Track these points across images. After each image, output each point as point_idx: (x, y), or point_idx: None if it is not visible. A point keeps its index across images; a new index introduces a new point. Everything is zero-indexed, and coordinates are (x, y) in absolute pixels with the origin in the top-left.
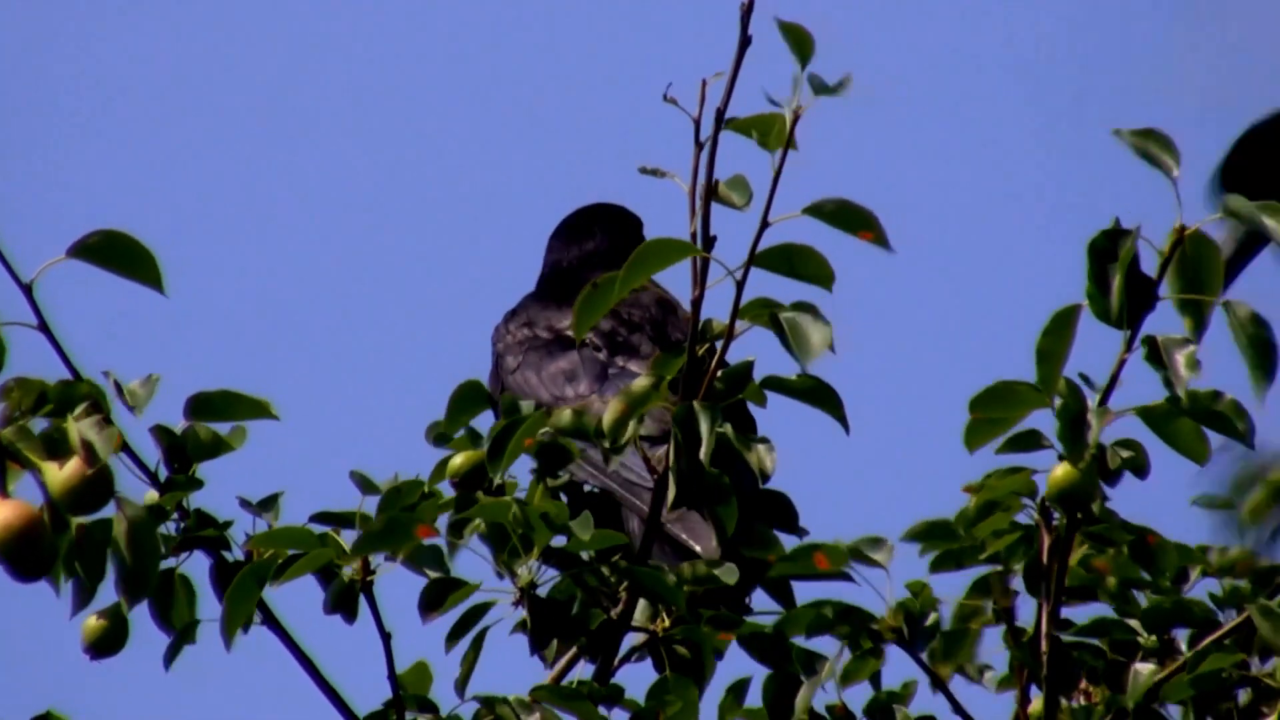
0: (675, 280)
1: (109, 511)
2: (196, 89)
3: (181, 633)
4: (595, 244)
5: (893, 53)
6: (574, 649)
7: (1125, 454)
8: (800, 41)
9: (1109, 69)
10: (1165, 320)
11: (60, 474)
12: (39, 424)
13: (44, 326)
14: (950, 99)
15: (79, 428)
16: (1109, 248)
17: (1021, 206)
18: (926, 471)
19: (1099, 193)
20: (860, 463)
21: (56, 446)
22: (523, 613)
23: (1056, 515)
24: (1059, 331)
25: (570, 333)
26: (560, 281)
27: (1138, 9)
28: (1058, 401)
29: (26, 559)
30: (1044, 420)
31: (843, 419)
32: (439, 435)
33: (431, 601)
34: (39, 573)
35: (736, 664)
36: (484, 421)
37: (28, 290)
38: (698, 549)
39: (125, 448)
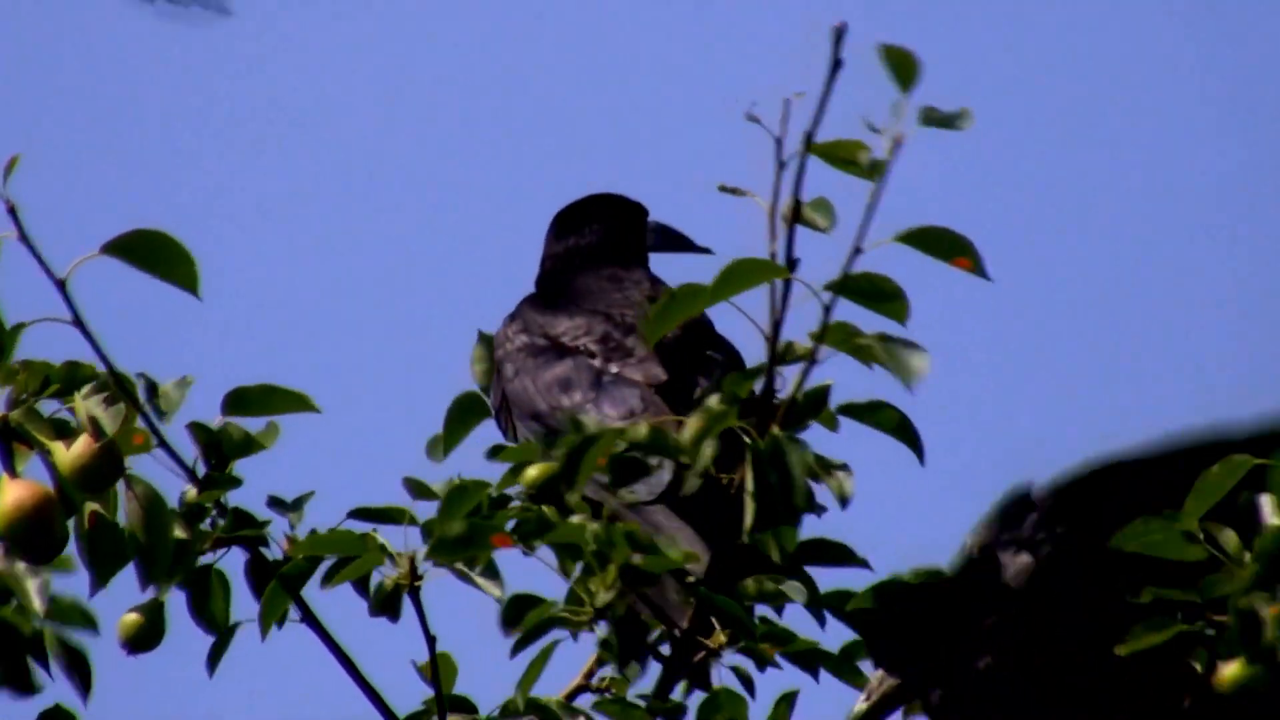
0: (750, 300)
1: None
2: (231, 88)
3: (222, 637)
4: (591, 238)
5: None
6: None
7: None
8: (903, 67)
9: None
10: None
11: (69, 453)
12: (47, 407)
13: (78, 321)
14: (1021, 119)
15: (85, 404)
16: None
17: (1080, 232)
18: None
19: (1178, 222)
20: (922, 491)
21: (65, 428)
22: (598, 628)
23: None
24: (1222, 478)
25: (569, 341)
26: (556, 281)
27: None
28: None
29: (39, 540)
30: None
31: (918, 448)
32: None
33: (512, 618)
34: (50, 555)
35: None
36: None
37: (61, 285)
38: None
39: (163, 444)
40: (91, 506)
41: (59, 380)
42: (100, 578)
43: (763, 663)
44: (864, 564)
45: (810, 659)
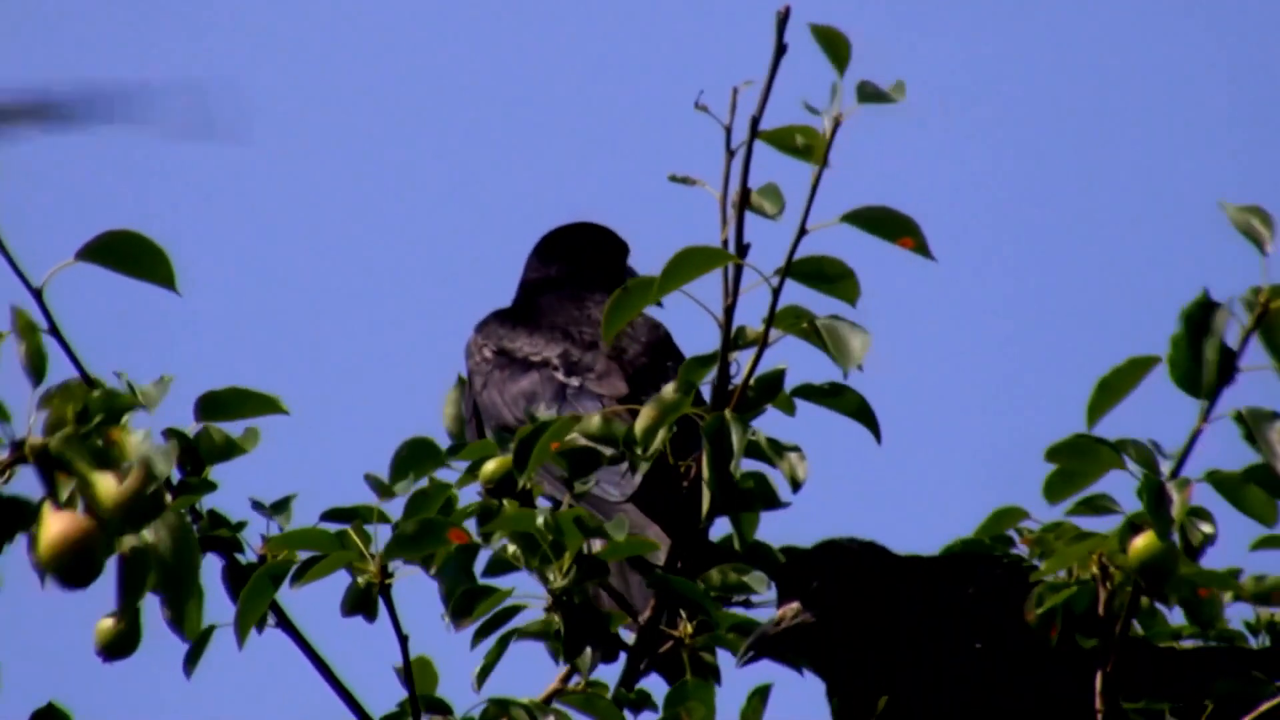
0: (703, 288)
1: None
2: (207, 90)
3: (199, 640)
4: (569, 264)
5: (913, 59)
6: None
7: (1206, 529)
8: (836, 47)
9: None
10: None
11: (113, 488)
12: (85, 435)
13: (54, 330)
14: (976, 104)
15: (136, 443)
16: (1202, 320)
17: (1041, 213)
18: (950, 482)
19: (1121, 199)
20: (885, 473)
21: (104, 457)
22: (550, 615)
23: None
24: (1130, 373)
25: (532, 356)
26: (530, 300)
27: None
28: (1134, 469)
29: (80, 570)
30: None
31: (874, 428)
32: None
33: (461, 608)
34: (88, 582)
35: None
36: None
37: (38, 295)
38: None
39: None
40: (129, 538)
41: (98, 409)
42: (128, 604)
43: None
44: (783, 505)
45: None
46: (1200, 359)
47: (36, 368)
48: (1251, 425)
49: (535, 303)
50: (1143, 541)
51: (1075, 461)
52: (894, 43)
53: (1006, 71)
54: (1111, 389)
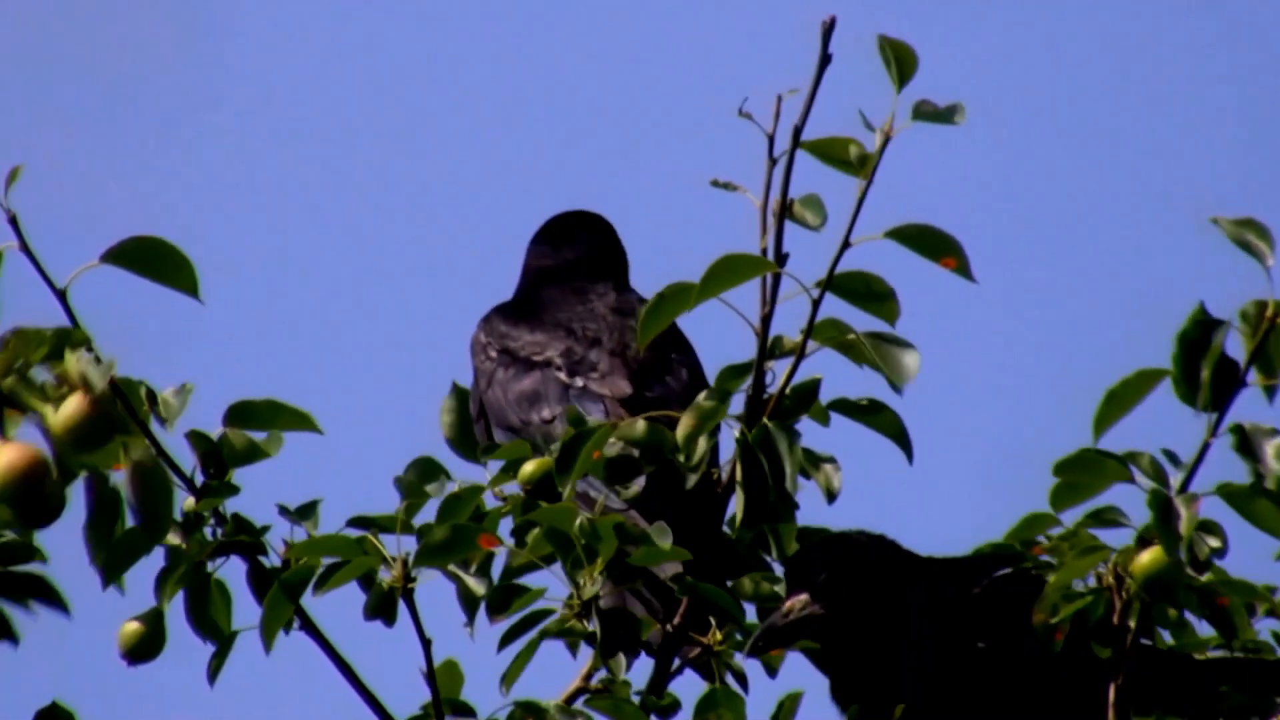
0: (738, 297)
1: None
2: (234, 97)
3: (222, 645)
4: (568, 253)
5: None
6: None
7: (1214, 544)
8: (902, 61)
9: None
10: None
11: (60, 413)
12: (39, 374)
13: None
14: (1013, 118)
15: (74, 361)
16: (1199, 337)
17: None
18: (970, 490)
19: (1154, 216)
20: (913, 488)
21: (56, 390)
22: (581, 619)
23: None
24: (1138, 385)
25: (534, 355)
26: (533, 293)
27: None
28: (1143, 482)
29: (33, 503)
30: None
31: (906, 446)
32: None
33: (497, 604)
34: (48, 518)
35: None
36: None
37: (62, 296)
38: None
39: (162, 454)
40: (89, 465)
41: (50, 344)
42: (99, 545)
43: (770, 669)
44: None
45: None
46: (1197, 375)
47: None
48: (1252, 439)
49: (538, 296)
50: (1148, 556)
51: (1081, 475)
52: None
53: (1009, 83)
54: (1119, 400)
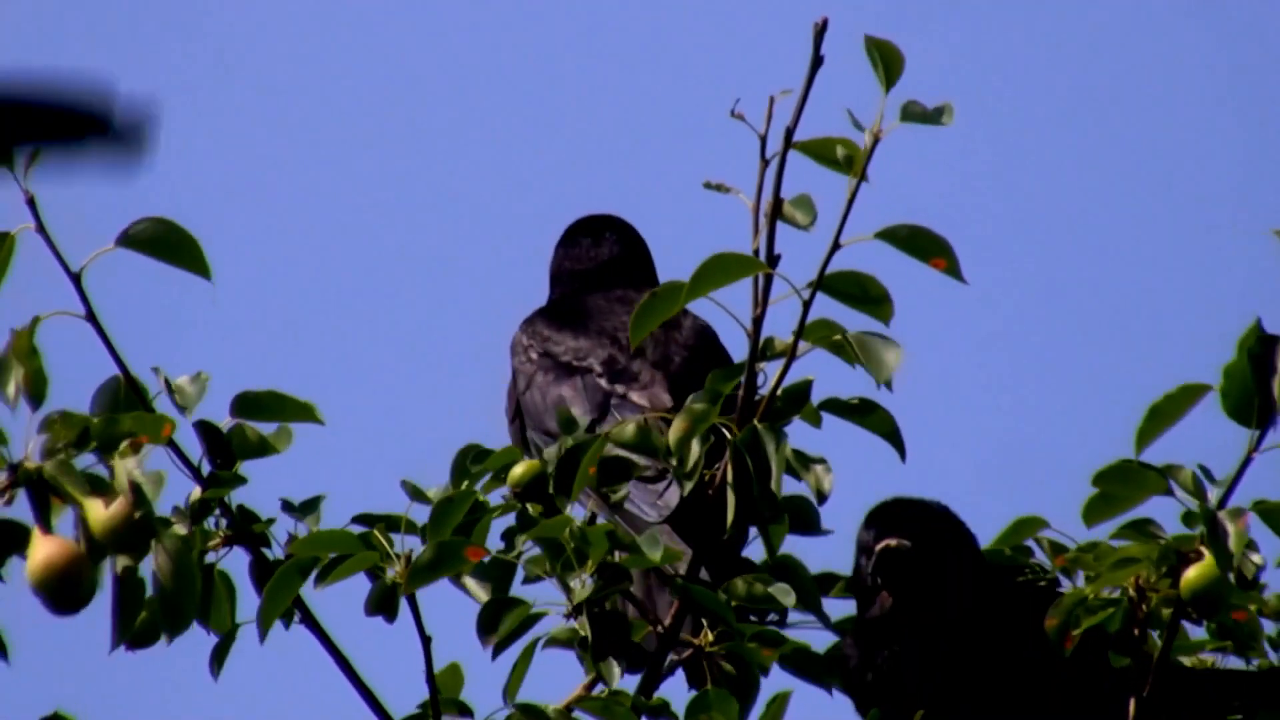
0: (732, 298)
1: None
2: (247, 87)
3: (225, 639)
4: (609, 255)
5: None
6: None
7: (1257, 559)
8: (889, 62)
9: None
10: None
11: (103, 514)
12: (81, 459)
13: (91, 316)
14: (1007, 116)
15: (127, 468)
16: (1263, 353)
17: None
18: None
19: (1148, 218)
20: (906, 489)
21: (99, 483)
22: (574, 623)
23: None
24: (1181, 400)
25: (576, 361)
26: (576, 298)
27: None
28: (1181, 496)
29: (66, 596)
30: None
31: (899, 444)
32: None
33: (489, 624)
34: (77, 608)
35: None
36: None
37: (76, 279)
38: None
39: (170, 443)
40: (123, 562)
41: (97, 435)
42: (124, 630)
43: (761, 669)
44: (825, 532)
45: (805, 663)
46: (1256, 390)
47: (36, 392)
48: None
49: (582, 302)
50: (1196, 572)
51: (1120, 486)
52: (915, 50)
53: (1004, 81)
54: (1162, 415)
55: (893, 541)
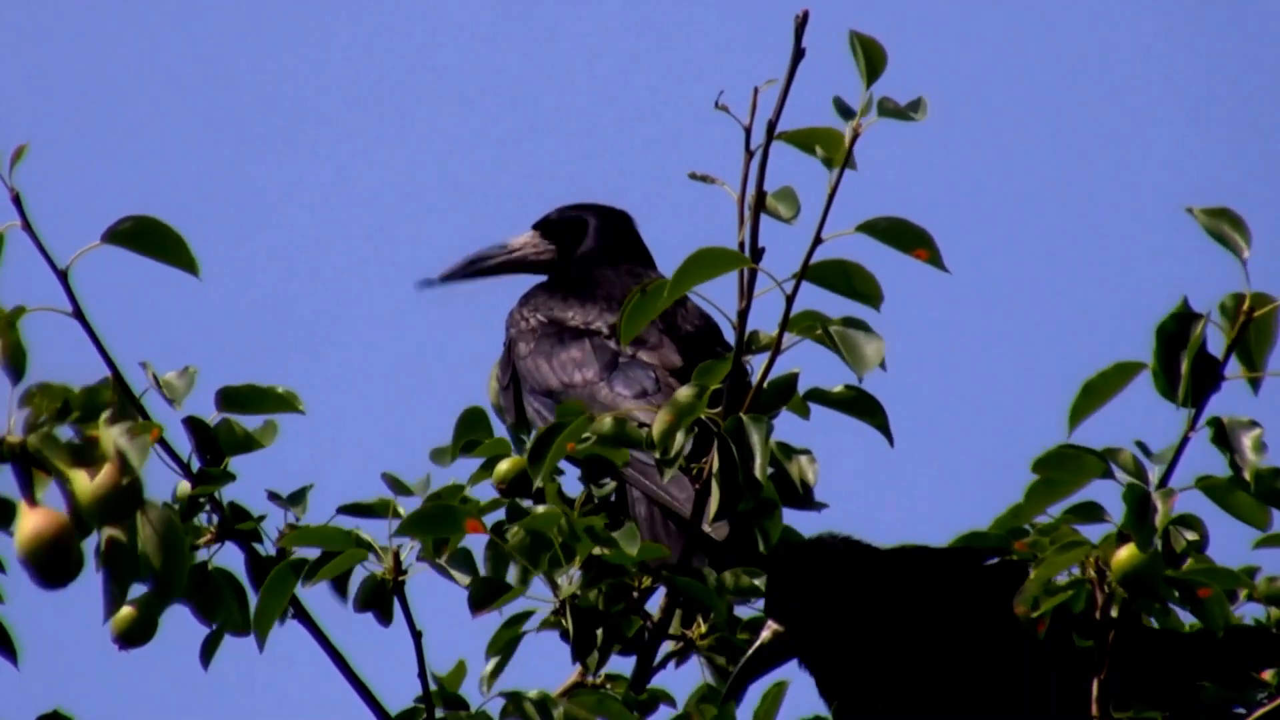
0: (718, 290)
1: None
2: (232, 83)
3: (216, 631)
4: (612, 235)
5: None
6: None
7: (1190, 537)
8: (872, 56)
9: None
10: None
11: (90, 484)
12: (64, 431)
13: (78, 313)
14: (992, 112)
15: (113, 435)
16: (1178, 330)
17: (1056, 223)
18: (963, 485)
19: (1131, 209)
20: (900, 477)
21: (83, 454)
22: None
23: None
24: (1115, 377)
25: (583, 325)
26: (580, 273)
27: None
28: (1122, 477)
29: (56, 568)
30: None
31: (886, 431)
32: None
33: (481, 599)
34: (66, 580)
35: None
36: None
37: (63, 276)
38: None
39: (160, 440)
40: (110, 532)
41: (78, 406)
42: (115, 601)
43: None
44: (819, 506)
45: None
46: (1176, 369)
47: (16, 364)
48: (1229, 433)
49: (589, 273)
50: (1125, 552)
51: (1060, 471)
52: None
53: (987, 74)
54: (1095, 392)
55: (766, 634)
